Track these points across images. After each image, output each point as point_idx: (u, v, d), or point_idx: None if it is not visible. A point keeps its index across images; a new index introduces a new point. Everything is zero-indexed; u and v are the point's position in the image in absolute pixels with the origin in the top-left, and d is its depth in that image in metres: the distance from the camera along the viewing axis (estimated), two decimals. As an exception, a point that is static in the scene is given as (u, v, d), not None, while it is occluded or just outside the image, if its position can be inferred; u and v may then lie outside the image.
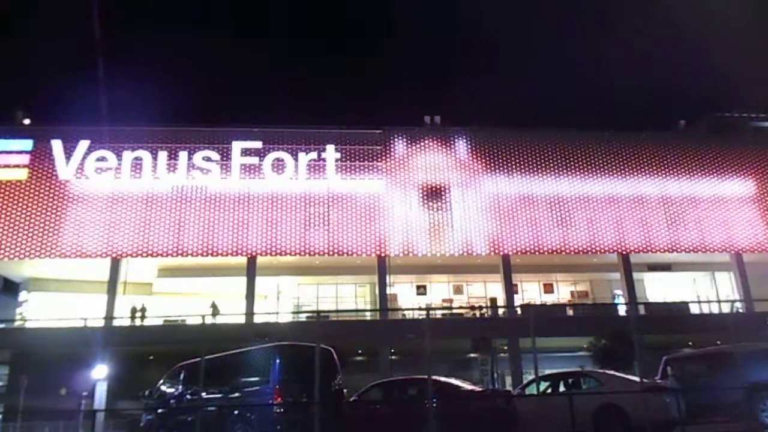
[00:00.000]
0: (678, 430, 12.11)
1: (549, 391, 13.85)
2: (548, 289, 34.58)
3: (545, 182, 31.96)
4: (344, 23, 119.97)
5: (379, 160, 31.48)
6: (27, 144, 29.85)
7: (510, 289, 30.36)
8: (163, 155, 30.09)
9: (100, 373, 24.62)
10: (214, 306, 28.31)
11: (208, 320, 27.21)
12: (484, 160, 32.00)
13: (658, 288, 34.41)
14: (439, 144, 32.19)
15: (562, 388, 13.87)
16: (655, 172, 32.77)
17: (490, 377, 26.89)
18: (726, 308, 31.57)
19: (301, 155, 30.88)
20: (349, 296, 33.23)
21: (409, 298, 33.40)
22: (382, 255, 29.89)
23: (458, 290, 34.12)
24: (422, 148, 32.01)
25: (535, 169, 32.08)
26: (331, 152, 31.09)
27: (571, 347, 28.39)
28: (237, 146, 30.69)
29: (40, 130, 30.37)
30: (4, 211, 28.62)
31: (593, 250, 31.20)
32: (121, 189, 29.56)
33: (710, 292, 34.14)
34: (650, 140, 33.85)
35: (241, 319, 28.04)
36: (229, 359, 13.79)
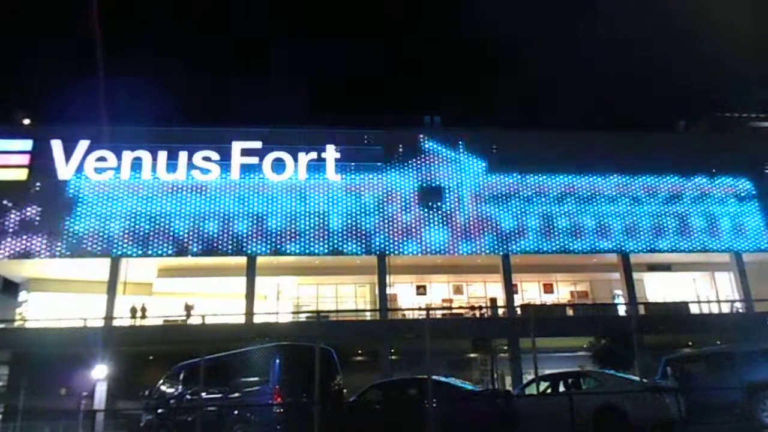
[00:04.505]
0: (678, 430, 12.11)
1: (549, 391, 13.88)
2: (548, 289, 34.51)
3: (545, 182, 31.97)
4: (344, 23, 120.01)
5: (379, 160, 31.49)
6: (27, 144, 29.78)
7: (510, 289, 30.32)
8: (163, 155, 30.04)
9: (100, 373, 24.61)
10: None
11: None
12: (483, 160, 32.00)
13: (658, 288, 34.36)
14: (439, 144, 32.20)
15: (562, 388, 13.91)
16: (654, 172, 32.74)
17: (490, 377, 26.90)
18: (726, 308, 31.61)
19: (301, 155, 30.85)
20: (349, 296, 33.18)
21: (409, 298, 33.35)
22: (382, 255, 29.89)
23: (458, 290, 34.07)
24: (422, 148, 32.02)
25: (535, 169, 32.05)
26: (331, 152, 31.06)
27: (571, 347, 28.33)
28: (237, 146, 30.64)
29: (40, 130, 30.31)
30: (3, 211, 28.56)
31: (593, 250, 31.19)
32: (120, 189, 29.55)
33: (710, 292, 34.06)
34: (650, 140, 33.86)
35: (241, 319, 28.02)
36: (229, 359, 13.80)
